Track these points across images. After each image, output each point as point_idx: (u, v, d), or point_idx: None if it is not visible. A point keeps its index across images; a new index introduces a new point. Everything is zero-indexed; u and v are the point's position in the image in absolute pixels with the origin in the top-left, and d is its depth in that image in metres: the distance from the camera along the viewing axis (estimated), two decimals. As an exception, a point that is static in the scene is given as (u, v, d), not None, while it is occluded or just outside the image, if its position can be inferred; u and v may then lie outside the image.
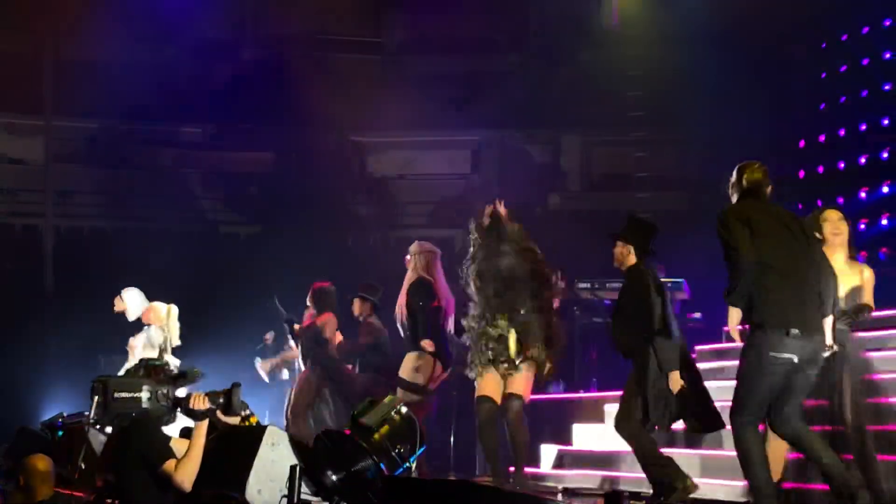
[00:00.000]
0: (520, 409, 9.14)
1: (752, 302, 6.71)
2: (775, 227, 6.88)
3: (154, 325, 11.21)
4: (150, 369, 6.35)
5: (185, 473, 6.08)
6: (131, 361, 10.79)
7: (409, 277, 10.21)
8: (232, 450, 7.30)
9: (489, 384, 9.19)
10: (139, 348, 11.04)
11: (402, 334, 10.28)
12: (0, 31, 22.68)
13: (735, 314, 7.25)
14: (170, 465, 6.10)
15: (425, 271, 10.18)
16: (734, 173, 7.23)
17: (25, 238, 22.06)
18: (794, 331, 6.61)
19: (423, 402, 10.00)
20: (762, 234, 6.77)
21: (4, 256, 20.47)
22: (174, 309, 11.63)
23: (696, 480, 8.01)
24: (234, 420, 6.47)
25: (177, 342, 11.57)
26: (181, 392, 6.30)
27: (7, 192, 22.89)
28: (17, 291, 19.81)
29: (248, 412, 8.28)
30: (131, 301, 11.38)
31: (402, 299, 10.20)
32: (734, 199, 7.15)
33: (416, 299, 10.07)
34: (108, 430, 6.38)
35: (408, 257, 10.41)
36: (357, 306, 11.67)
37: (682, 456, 8.54)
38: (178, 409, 6.24)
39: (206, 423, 6.21)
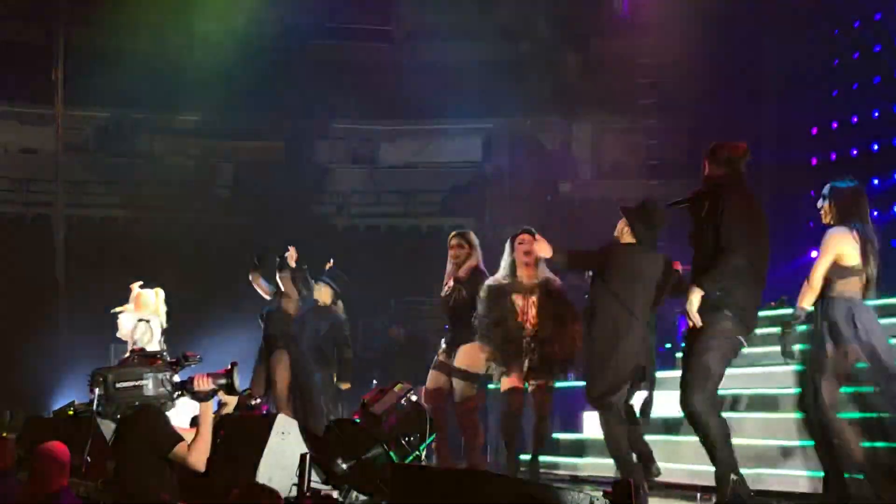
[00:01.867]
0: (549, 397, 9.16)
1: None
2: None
3: (153, 317, 11.21)
4: (147, 358, 6.38)
5: (199, 454, 6.15)
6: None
7: (471, 266, 9.65)
8: (243, 438, 7.32)
9: (516, 375, 9.14)
10: (153, 343, 11.02)
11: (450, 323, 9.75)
12: (10, 21, 22.73)
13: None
14: (182, 447, 6.14)
15: (480, 263, 9.77)
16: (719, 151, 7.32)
17: (37, 228, 22.10)
18: None
19: (477, 394, 9.78)
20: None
21: (16, 246, 20.51)
22: (161, 292, 11.64)
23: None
24: (234, 398, 6.52)
25: (164, 324, 11.57)
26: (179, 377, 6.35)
27: (18, 182, 22.98)
28: (29, 281, 19.88)
29: (257, 401, 8.31)
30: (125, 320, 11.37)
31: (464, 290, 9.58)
32: (716, 173, 7.19)
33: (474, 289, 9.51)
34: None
35: (455, 241, 9.79)
36: (321, 293, 11.66)
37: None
38: (181, 394, 6.28)
39: (211, 403, 6.27)
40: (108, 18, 21.40)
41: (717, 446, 6.93)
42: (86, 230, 21.74)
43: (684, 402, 6.98)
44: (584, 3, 20.83)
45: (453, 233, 9.91)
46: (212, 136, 23.70)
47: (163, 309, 11.45)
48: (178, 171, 22.52)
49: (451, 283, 9.63)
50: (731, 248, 6.85)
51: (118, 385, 6.17)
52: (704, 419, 6.94)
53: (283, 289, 11.08)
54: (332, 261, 12.20)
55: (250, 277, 11.49)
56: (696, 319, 6.91)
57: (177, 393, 6.31)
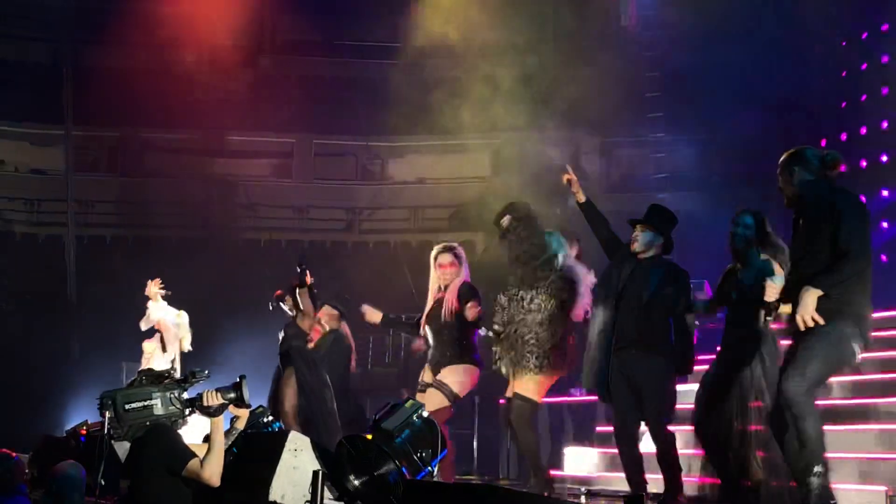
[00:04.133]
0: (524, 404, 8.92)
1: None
2: None
3: (167, 333, 11.25)
4: (155, 377, 6.41)
5: (212, 469, 6.18)
6: (147, 365, 10.81)
7: (458, 283, 9.34)
8: (255, 455, 7.33)
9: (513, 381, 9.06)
10: (156, 357, 11.05)
11: (432, 341, 9.50)
12: (20, 42, 22.85)
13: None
14: (195, 464, 6.16)
15: (467, 276, 9.50)
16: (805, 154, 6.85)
17: (48, 247, 22.17)
18: None
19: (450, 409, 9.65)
20: None
21: (28, 266, 20.59)
22: (184, 315, 11.66)
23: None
24: (245, 411, 6.53)
25: (188, 348, 11.58)
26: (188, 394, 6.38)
27: (29, 202, 23.07)
28: (41, 300, 19.93)
29: (269, 418, 8.30)
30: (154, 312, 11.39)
31: (455, 305, 9.26)
32: (807, 179, 6.78)
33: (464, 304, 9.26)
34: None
35: (448, 260, 9.49)
36: (324, 315, 11.58)
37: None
38: (191, 411, 6.30)
39: (222, 418, 6.29)
40: (117, 38, 21.50)
41: (810, 437, 6.49)
42: (96, 249, 21.81)
43: (780, 390, 6.58)
44: (591, 18, 20.86)
45: (441, 247, 9.61)
46: (221, 154, 23.79)
47: (187, 331, 11.48)
48: (188, 189, 22.58)
49: (436, 301, 9.39)
50: (855, 251, 6.44)
51: (127, 406, 6.20)
52: (799, 409, 6.47)
53: (301, 306, 11.04)
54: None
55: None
56: (815, 317, 6.38)
57: (188, 410, 6.33)
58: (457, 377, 9.23)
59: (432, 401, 9.12)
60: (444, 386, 9.22)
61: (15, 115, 22.63)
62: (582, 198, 8.51)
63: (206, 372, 6.48)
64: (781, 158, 6.90)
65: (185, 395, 6.35)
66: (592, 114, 21.27)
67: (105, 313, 17.48)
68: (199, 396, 6.33)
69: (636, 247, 8.14)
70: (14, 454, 8.13)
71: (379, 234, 24.01)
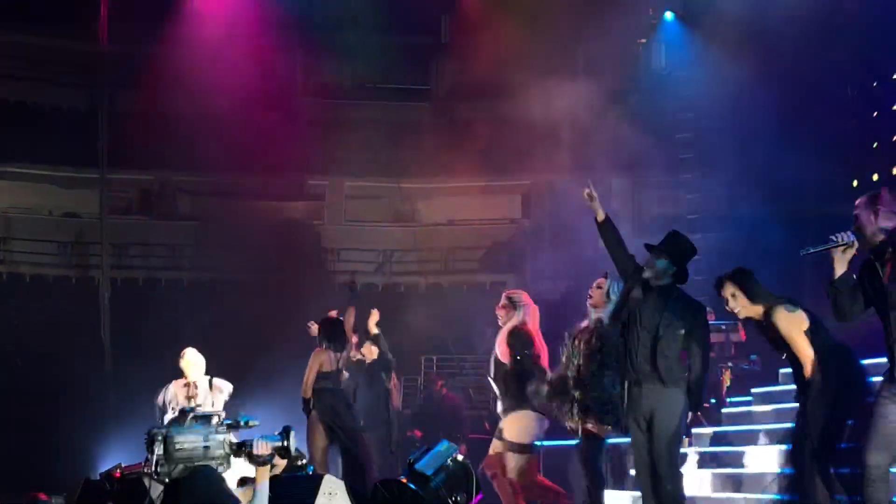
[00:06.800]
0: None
1: None
2: None
3: (202, 378, 11.24)
4: (205, 418, 6.41)
5: None
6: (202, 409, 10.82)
7: (507, 328, 9.27)
8: (290, 500, 7.32)
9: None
10: (214, 404, 11.04)
11: (496, 390, 9.36)
12: (55, 87, 23.11)
13: None
14: (237, 511, 6.17)
15: (529, 322, 9.36)
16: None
17: (81, 290, 22.31)
18: None
19: (534, 459, 9.38)
20: None
21: (62, 308, 20.70)
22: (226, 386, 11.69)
23: None
24: (284, 462, 6.52)
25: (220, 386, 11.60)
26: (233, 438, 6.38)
27: (63, 245, 23.24)
28: (75, 343, 20.02)
29: (304, 461, 8.31)
30: (195, 360, 11.40)
31: (503, 348, 9.22)
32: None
33: (518, 350, 9.21)
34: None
35: (501, 302, 9.47)
36: (369, 351, 11.71)
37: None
38: (238, 456, 6.29)
39: (268, 467, 6.27)
40: (150, 82, 21.71)
41: None
42: (131, 292, 21.93)
43: None
44: (622, 60, 20.93)
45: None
46: (253, 196, 23.90)
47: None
48: (219, 232, 22.68)
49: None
50: None
51: (178, 445, 6.17)
52: None
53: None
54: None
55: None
56: None
57: (237, 455, 6.32)
58: (518, 424, 9.10)
59: (511, 466, 9.04)
60: (509, 443, 9.10)
61: (50, 159, 22.84)
62: (602, 215, 8.26)
63: (254, 420, 6.47)
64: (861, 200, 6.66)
65: (233, 439, 6.34)
66: (624, 154, 21.31)
67: (139, 356, 17.52)
68: (249, 444, 6.30)
69: (648, 274, 7.83)
70: (45, 496, 8.17)
71: (410, 275, 24.04)
